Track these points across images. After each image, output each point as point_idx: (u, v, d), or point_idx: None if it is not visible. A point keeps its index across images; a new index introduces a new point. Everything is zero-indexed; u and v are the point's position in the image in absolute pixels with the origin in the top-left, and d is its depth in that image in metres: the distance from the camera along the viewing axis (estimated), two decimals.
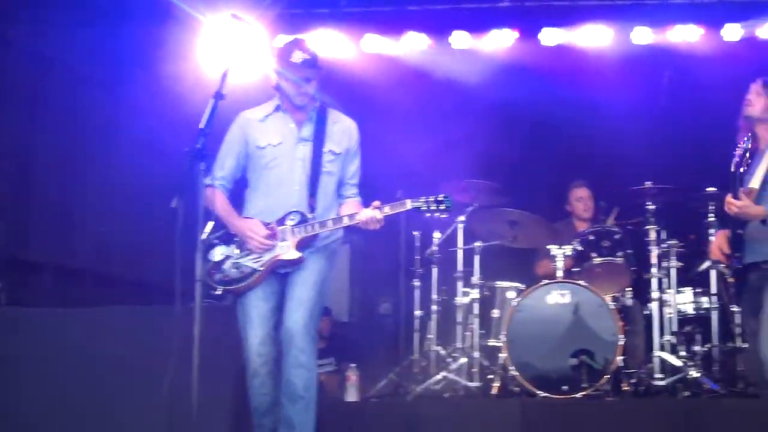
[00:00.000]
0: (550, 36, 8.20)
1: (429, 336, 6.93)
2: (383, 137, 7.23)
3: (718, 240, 5.07)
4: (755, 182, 4.83)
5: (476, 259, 6.89)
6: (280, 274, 4.81)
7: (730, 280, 6.57)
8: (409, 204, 4.75)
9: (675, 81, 7.82)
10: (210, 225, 4.70)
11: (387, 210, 4.73)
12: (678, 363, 6.41)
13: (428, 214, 4.76)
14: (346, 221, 4.77)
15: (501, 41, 8.24)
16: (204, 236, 4.44)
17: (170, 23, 7.09)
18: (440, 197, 4.74)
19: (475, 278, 6.85)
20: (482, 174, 7.13)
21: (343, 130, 4.97)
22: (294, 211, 4.79)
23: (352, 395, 6.22)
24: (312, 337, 4.66)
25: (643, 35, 8.09)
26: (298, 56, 4.80)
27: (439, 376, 6.48)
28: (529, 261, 7.35)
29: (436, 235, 7.07)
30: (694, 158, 7.66)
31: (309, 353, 4.62)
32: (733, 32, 8.00)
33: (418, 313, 7.10)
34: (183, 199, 4.05)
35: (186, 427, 3.97)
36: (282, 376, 4.63)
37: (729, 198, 4.70)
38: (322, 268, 4.83)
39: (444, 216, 4.81)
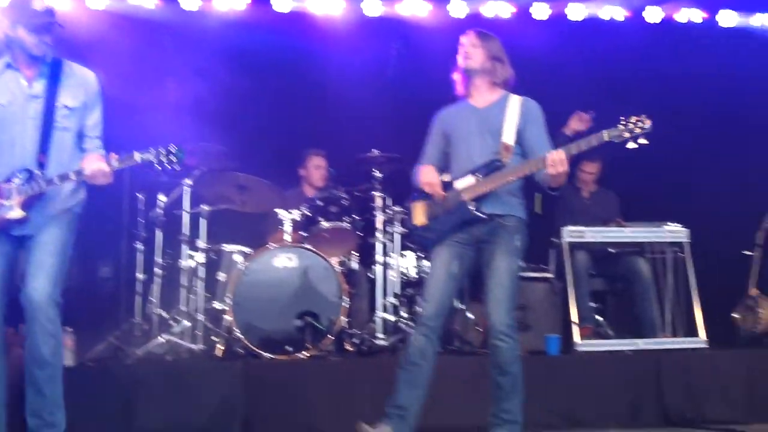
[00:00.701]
0: (282, 2, 8.20)
1: (152, 299, 6.73)
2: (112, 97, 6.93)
3: (428, 173, 4.96)
4: (509, 138, 4.76)
5: (203, 222, 6.77)
6: (14, 237, 4.61)
7: (397, 231, 6.85)
8: (137, 156, 4.58)
9: (403, 53, 8.00)
10: None
11: (115, 163, 4.57)
12: (399, 323, 6.64)
13: (159, 167, 4.59)
14: (72, 176, 4.58)
15: (233, 3, 8.15)
16: None
17: None
18: (171, 148, 4.59)
19: (201, 242, 6.73)
20: (212, 137, 6.97)
21: (78, 83, 4.76)
22: (22, 170, 4.56)
23: (68, 360, 5.92)
24: (57, 303, 4.53)
25: (373, 6, 8.30)
26: (39, 3, 4.59)
27: (161, 339, 6.30)
28: (257, 225, 7.31)
29: (161, 198, 6.86)
30: (418, 128, 7.86)
31: (56, 321, 4.52)
32: (459, 9, 8.33)
33: (140, 276, 6.87)
34: None
35: None
36: (27, 341, 4.51)
37: (563, 155, 4.48)
38: (63, 233, 4.66)
39: (176, 168, 4.62)
